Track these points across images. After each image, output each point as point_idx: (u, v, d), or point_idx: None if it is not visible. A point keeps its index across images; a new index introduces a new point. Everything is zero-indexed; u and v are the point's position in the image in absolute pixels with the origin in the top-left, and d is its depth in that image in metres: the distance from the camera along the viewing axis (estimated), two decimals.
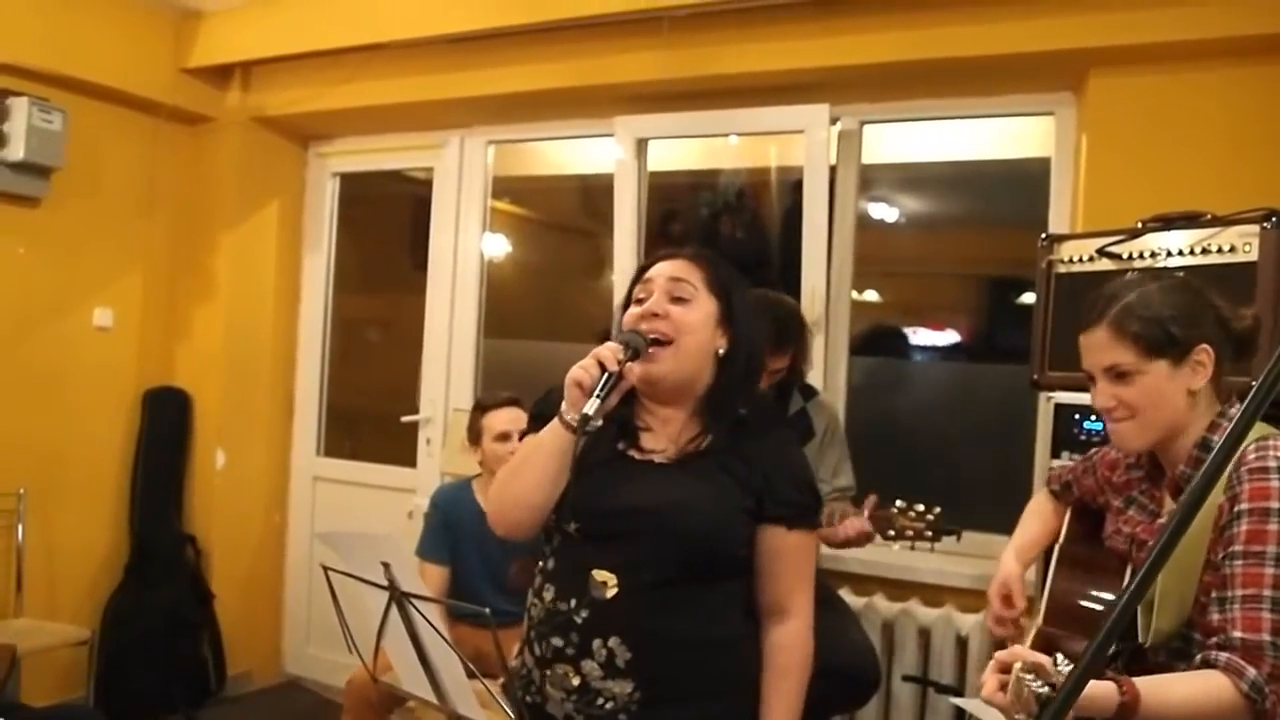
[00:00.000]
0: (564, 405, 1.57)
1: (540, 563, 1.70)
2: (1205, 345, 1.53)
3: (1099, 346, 1.57)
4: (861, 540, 2.49)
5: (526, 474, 1.62)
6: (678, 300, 1.65)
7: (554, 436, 1.59)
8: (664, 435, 1.68)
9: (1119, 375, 1.56)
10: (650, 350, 1.61)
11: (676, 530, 1.58)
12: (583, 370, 1.56)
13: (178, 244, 4.24)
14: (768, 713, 1.66)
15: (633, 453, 1.66)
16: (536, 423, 1.72)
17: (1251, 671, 1.36)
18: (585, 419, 1.51)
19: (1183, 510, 0.89)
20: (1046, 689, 1.20)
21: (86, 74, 3.75)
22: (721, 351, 1.68)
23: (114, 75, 3.83)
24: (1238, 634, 1.39)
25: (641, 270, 1.73)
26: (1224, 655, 1.38)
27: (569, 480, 1.60)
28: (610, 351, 1.56)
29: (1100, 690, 1.31)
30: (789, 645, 1.68)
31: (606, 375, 1.54)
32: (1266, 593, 1.39)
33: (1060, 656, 1.31)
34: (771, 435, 1.71)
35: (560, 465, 1.58)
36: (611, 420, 1.64)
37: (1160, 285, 1.58)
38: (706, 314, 1.66)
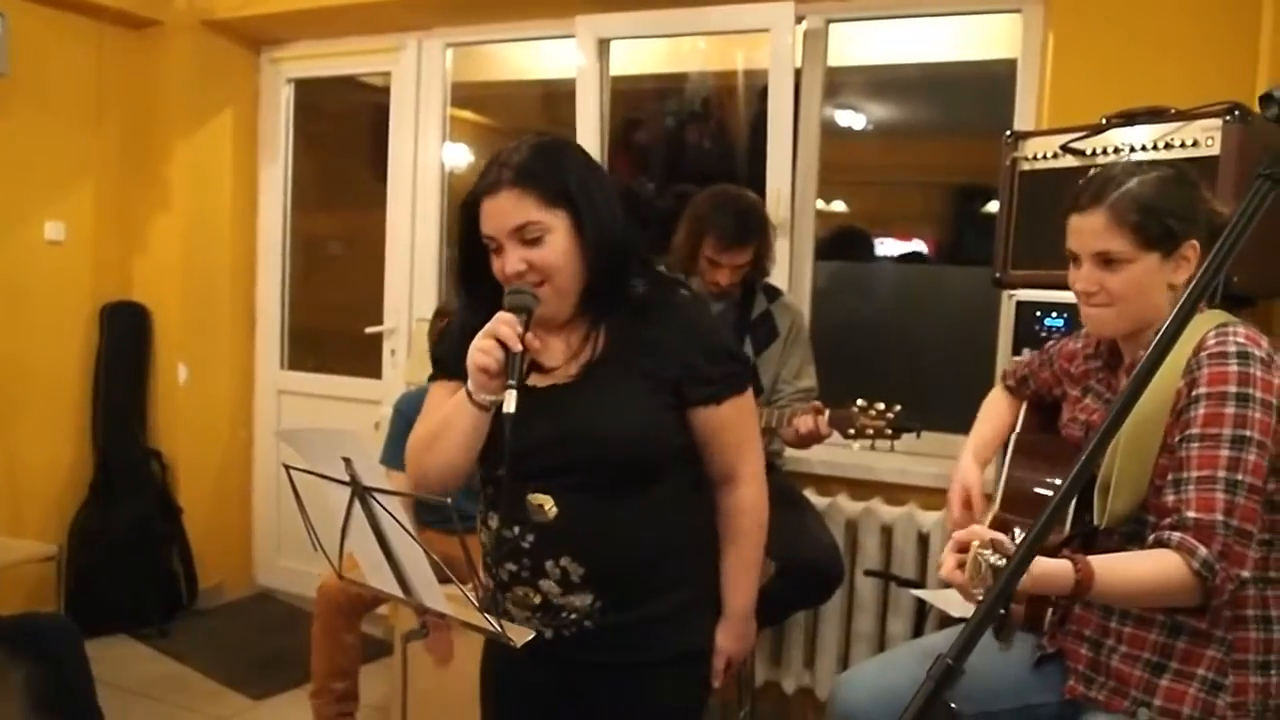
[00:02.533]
0: (471, 385, 1.49)
1: (479, 491, 1.69)
2: (1194, 241, 1.54)
3: (1094, 231, 1.56)
4: (813, 439, 2.52)
5: (442, 452, 1.56)
6: (531, 243, 1.51)
7: (467, 416, 1.52)
8: (558, 351, 1.61)
9: (1108, 262, 1.56)
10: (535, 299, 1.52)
11: (601, 450, 1.54)
12: (483, 354, 1.45)
13: (129, 154, 4.11)
14: (729, 576, 1.68)
15: (535, 380, 1.57)
16: (439, 368, 1.69)
17: (1203, 550, 1.38)
18: (509, 415, 1.41)
19: (1131, 386, 0.90)
20: (1004, 561, 1.23)
21: None
22: (583, 254, 1.55)
23: None
24: (1191, 514, 1.42)
25: (470, 205, 1.56)
26: (1176, 535, 1.41)
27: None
28: (509, 327, 1.45)
29: (1056, 567, 1.34)
30: (743, 509, 1.68)
31: (513, 357, 1.44)
32: (1220, 474, 1.42)
33: (1017, 530, 1.34)
34: (672, 316, 1.62)
35: (477, 437, 1.54)
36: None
37: (1160, 175, 1.57)
38: (562, 235, 1.53)
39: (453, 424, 1.54)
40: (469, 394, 1.50)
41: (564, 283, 1.54)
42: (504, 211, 1.52)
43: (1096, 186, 1.58)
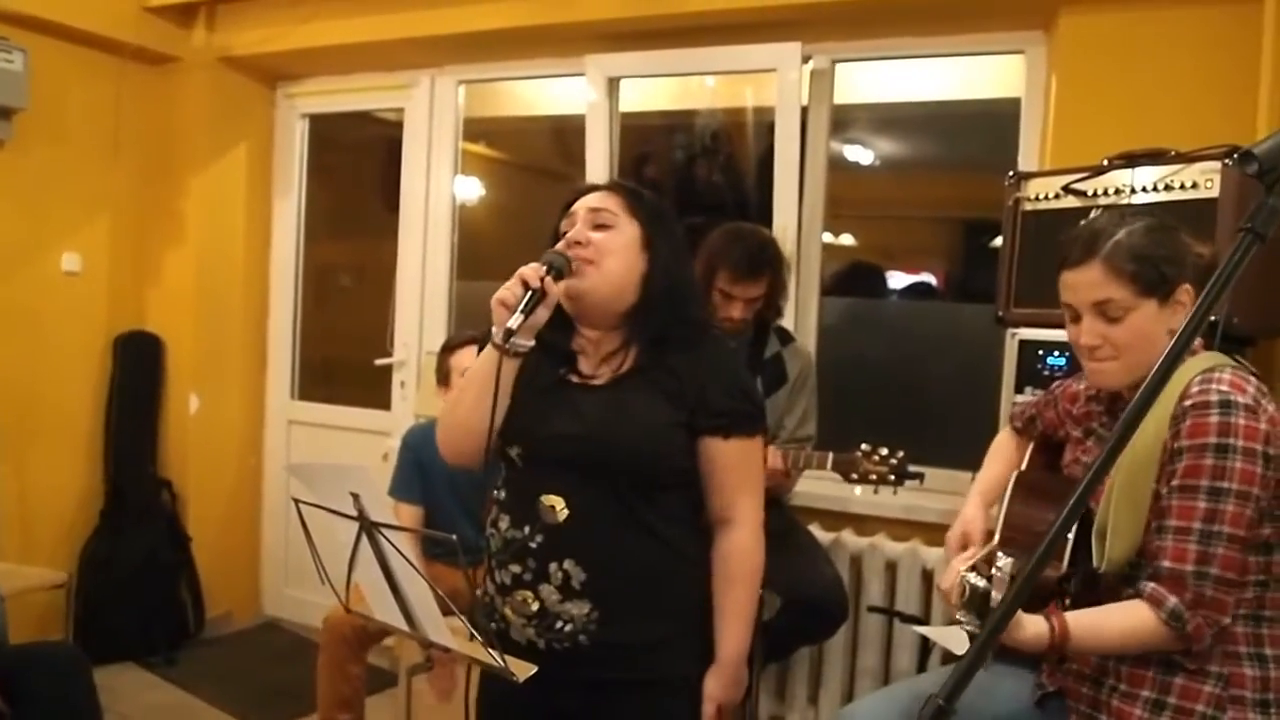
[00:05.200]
0: (494, 328, 1.61)
1: (495, 494, 1.74)
2: (1187, 285, 1.57)
3: (1091, 283, 1.58)
4: (773, 475, 2.53)
5: (466, 399, 1.67)
6: (599, 227, 1.69)
7: (487, 359, 1.64)
8: (596, 357, 1.71)
9: (1108, 314, 1.57)
10: (574, 267, 1.65)
11: (611, 447, 1.62)
12: (506, 290, 1.60)
13: (145, 187, 4.18)
14: (721, 622, 1.70)
15: (572, 377, 1.70)
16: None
17: (1172, 600, 1.44)
18: (509, 333, 1.56)
19: (1119, 431, 0.92)
20: (983, 582, 1.31)
21: (47, 12, 3.66)
22: (643, 274, 1.70)
23: (75, 14, 3.75)
24: (1165, 563, 1.47)
25: (566, 205, 1.76)
26: (1149, 585, 1.47)
27: (511, 406, 1.65)
28: (532, 270, 1.60)
29: (1030, 633, 1.42)
30: (736, 553, 1.70)
31: (529, 292, 1.57)
32: (1196, 525, 1.46)
33: (1000, 554, 1.38)
34: (701, 348, 1.72)
35: (500, 388, 1.61)
36: (553, 348, 1.69)
37: (1146, 224, 1.60)
38: (629, 238, 1.69)
39: (477, 372, 1.67)
40: (490, 339, 1.62)
41: (612, 269, 1.66)
42: (590, 199, 1.73)
43: (1086, 240, 1.60)
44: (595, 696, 1.66)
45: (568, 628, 1.62)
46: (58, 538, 3.96)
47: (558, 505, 1.61)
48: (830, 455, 2.50)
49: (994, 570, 1.37)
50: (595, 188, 1.76)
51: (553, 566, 1.61)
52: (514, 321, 1.56)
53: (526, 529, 1.64)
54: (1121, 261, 1.56)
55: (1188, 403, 1.50)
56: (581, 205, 1.72)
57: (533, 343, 1.62)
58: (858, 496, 3.11)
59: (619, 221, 1.69)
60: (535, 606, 1.62)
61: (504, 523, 1.68)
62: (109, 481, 4.08)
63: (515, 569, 1.65)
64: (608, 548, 1.61)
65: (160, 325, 4.24)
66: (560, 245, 1.68)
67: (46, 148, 3.82)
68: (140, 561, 3.99)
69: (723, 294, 2.71)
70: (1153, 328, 1.56)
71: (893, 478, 2.44)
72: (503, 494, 1.72)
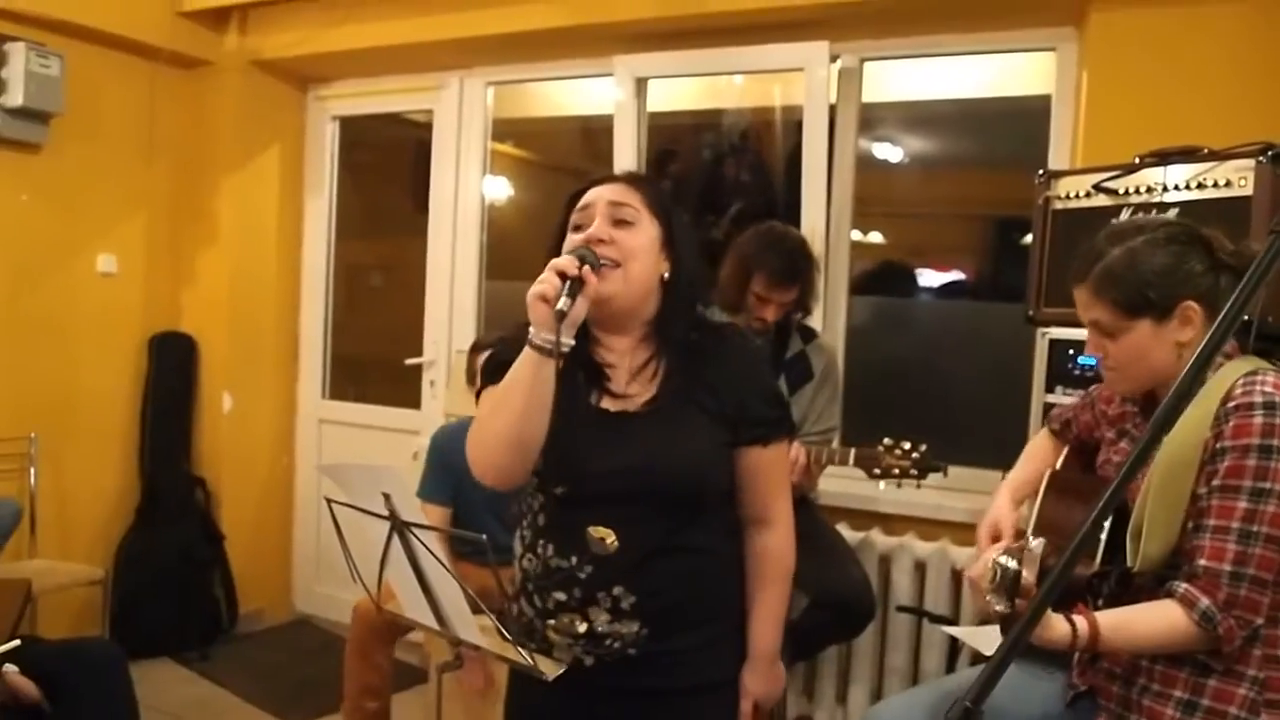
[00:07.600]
0: (532, 328, 1.48)
1: (527, 516, 1.68)
2: (1190, 302, 1.54)
3: (1084, 304, 1.62)
4: (797, 471, 2.53)
5: (507, 409, 1.52)
6: (620, 224, 1.58)
7: (529, 364, 1.49)
8: (624, 370, 1.63)
9: (1104, 331, 1.60)
10: (599, 269, 1.53)
11: (665, 482, 1.57)
12: (544, 284, 1.47)
13: (179, 189, 4.24)
14: (754, 619, 1.69)
15: (607, 404, 1.62)
16: (497, 373, 1.63)
17: (1204, 601, 1.44)
18: (561, 314, 1.43)
19: (1149, 434, 0.92)
20: (1014, 563, 1.33)
21: (83, 18, 3.72)
22: (666, 276, 1.62)
23: (110, 19, 3.81)
24: (1202, 562, 1.47)
25: (577, 195, 1.64)
26: (1182, 586, 1.47)
27: (549, 441, 1.53)
28: (567, 260, 1.48)
29: (1059, 624, 1.43)
30: (773, 553, 1.69)
31: (569, 281, 1.46)
32: (1235, 525, 1.45)
33: (1030, 536, 1.39)
34: (728, 354, 1.66)
35: (542, 394, 1.50)
36: (577, 367, 1.59)
37: (1146, 239, 1.58)
38: (650, 237, 1.60)
39: (517, 378, 1.51)
40: (529, 341, 1.49)
41: (636, 274, 1.57)
42: (608, 191, 1.61)
43: (1086, 259, 1.61)
44: (637, 704, 1.64)
45: (616, 645, 1.59)
46: (95, 535, 4.02)
47: (609, 538, 1.56)
48: (852, 451, 2.50)
49: (1026, 551, 1.37)
50: (612, 179, 1.64)
51: (601, 594, 1.58)
52: (563, 304, 1.43)
53: (574, 559, 1.58)
54: (1105, 287, 1.57)
55: (1231, 404, 1.49)
56: (599, 198, 1.60)
57: (574, 342, 1.50)
58: (886, 495, 3.10)
59: (641, 219, 1.59)
60: (583, 628, 1.59)
61: (546, 550, 1.62)
62: (144, 480, 4.14)
63: (560, 596, 1.60)
64: (656, 571, 1.58)
65: (194, 326, 4.30)
66: (577, 240, 1.57)
67: (82, 151, 3.88)
68: (175, 558, 4.05)
69: (758, 298, 2.71)
70: (1150, 344, 1.57)
71: (915, 472, 2.43)
72: (541, 520, 1.64)
